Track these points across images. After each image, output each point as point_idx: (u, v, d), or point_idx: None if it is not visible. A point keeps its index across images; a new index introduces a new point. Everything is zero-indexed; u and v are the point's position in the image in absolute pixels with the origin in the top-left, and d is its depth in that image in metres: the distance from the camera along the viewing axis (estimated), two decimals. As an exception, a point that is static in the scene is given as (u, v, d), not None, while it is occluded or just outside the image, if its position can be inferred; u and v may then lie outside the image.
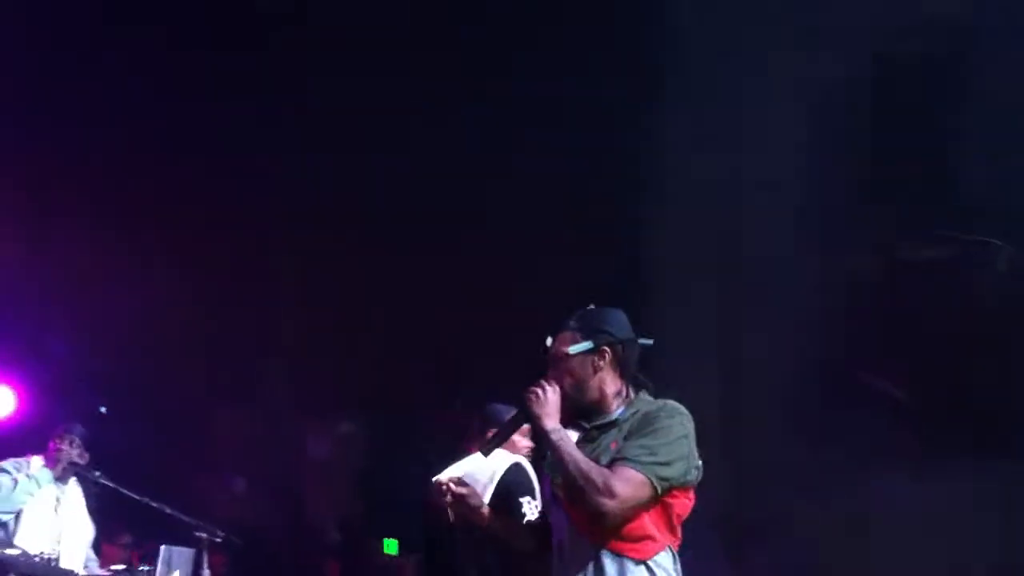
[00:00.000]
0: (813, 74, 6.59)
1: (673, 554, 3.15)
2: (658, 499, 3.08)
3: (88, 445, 6.08)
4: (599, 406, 3.26)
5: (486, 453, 3.38)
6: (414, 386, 8.56)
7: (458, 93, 7.39)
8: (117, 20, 7.15)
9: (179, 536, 5.74)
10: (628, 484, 3.02)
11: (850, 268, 6.81)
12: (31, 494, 5.84)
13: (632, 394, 3.29)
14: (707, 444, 3.26)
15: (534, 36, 7.07)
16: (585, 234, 7.37)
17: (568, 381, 3.26)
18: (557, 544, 3.24)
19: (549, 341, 3.35)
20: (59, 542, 5.86)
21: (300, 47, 7.33)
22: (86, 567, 5.85)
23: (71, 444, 6.00)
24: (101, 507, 6.28)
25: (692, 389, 3.38)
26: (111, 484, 5.94)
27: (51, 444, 6.03)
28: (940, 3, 6.24)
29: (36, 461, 6.01)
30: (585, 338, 3.27)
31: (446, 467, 4.04)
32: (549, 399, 3.21)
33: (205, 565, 5.58)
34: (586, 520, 3.10)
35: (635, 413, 3.20)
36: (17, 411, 8.25)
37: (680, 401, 3.25)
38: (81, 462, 6.00)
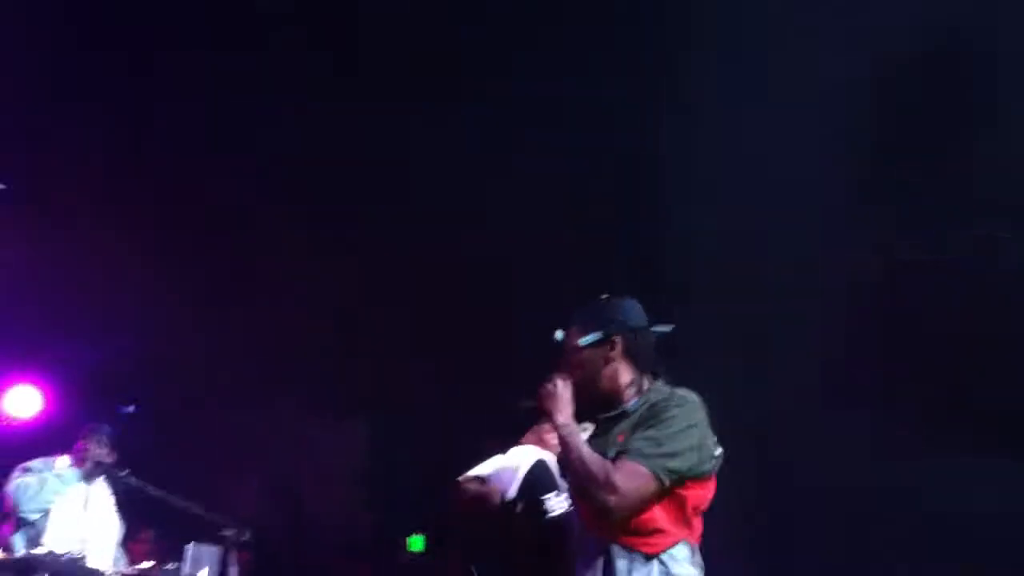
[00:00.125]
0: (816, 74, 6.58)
1: (690, 547, 3.05)
2: (668, 492, 2.99)
3: (115, 444, 6.08)
4: (613, 397, 3.20)
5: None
6: (429, 386, 8.59)
7: (458, 93, 7.39)
8: (117, 21, 7.15)
9: (203, 535, 5.75)
10: (631, 479, 2.95)
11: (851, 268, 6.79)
12: (59, 493, 5.86)
13: (648, 383, 3.21)
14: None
15: (534, 36, 7.06)
16: (585, 234, 7.37)
17: (580, 373, 3.21)
18: (574, 540, 3.19)
19: (559, 334, 3.30)
20: (87, 541, 5.86)
21: (300, 47, 7.32)
22: (113, 565, 5.83)
23: (98, 443, 6.01)
24: (126, 506, 6.31)
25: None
26: (138, 483, 5.96)
27: (78, 444, 6.04)
28: (941, 3, 6.24)
29: (63, 460, 6.03)
30: (595, 329, 3.22)
31: (472, 465, 4.02)
32: (560, 393, 3.17)
33: (232, 563, 5.61)
34: (593, 516, 3.06)
35: (644, 404, 3.13)
36: (45, 411, 8.40)
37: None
38: (108, 461, 6.00)
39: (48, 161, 7.83)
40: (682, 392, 3.16)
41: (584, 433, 3.22)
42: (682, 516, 3.03)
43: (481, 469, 3.93)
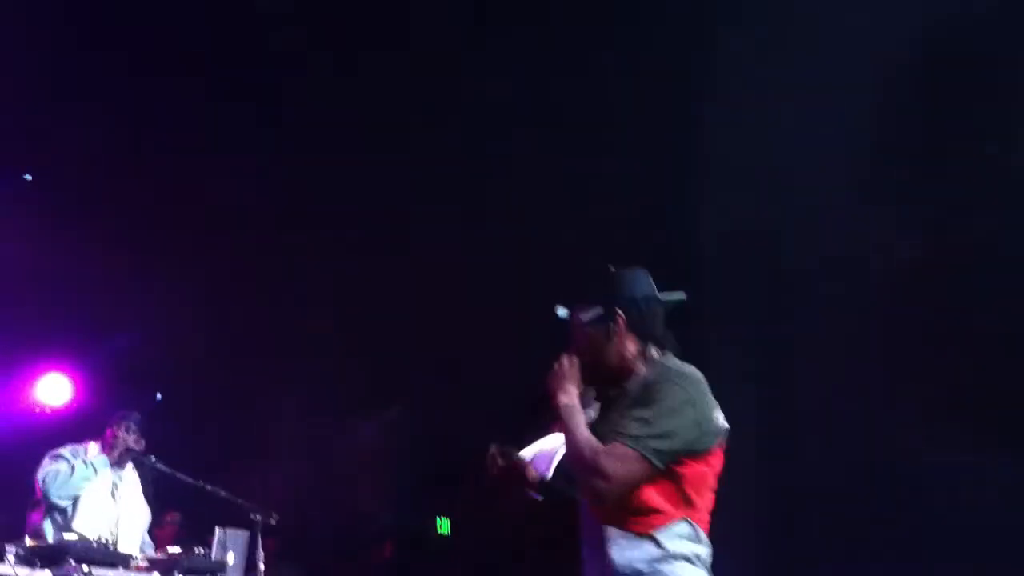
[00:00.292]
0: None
1: (691, 525, 2.96)
2: (663, 471, 2.91)
3: (144, 432, 6.10)
4: (621, 372, 3.10)
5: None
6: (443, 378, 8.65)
7: (458, 92, 7.40)
8: (117, 21, 7.15)
9: (230, 520, 5.77)
10: (620, 462, 2.88)
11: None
12: (88, 480, 5.86)
13: (658, 355, 3.10)
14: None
15: (542, 32, 7.07)
16: (585, 234, 7.37)
17: (586, 349, 3.13)
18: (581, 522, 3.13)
19: (560, 311, 3.20)
20: (116, 527, 5.90)
21: (300, 47, 7.32)
22: (142, 551, 5.84)
23: (127, 430, 6.02)
24: (154, 493, 6.35)
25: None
26: (167, 469, 5.98)
27: (108, 431, 6.05)
28: (941, 3, 6.24)
29: (93, 447, 6.03)
30: (597, 304, 3.14)
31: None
32: (565, 373, 3.10)
33: (260, 547, 5.63)
34: (587, 498, 3.02)
35: (642, 381, 3.04)
36: (76, 399, 8.49)
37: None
38: (137, 448, 6.01)
39: (48, 161, 7.83)
40: (677, 367, 3.06)
41: (593, 412, 3.16)
42: (679, 494, 2.94)
43: (528, 450, 3.87)
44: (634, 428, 2.92)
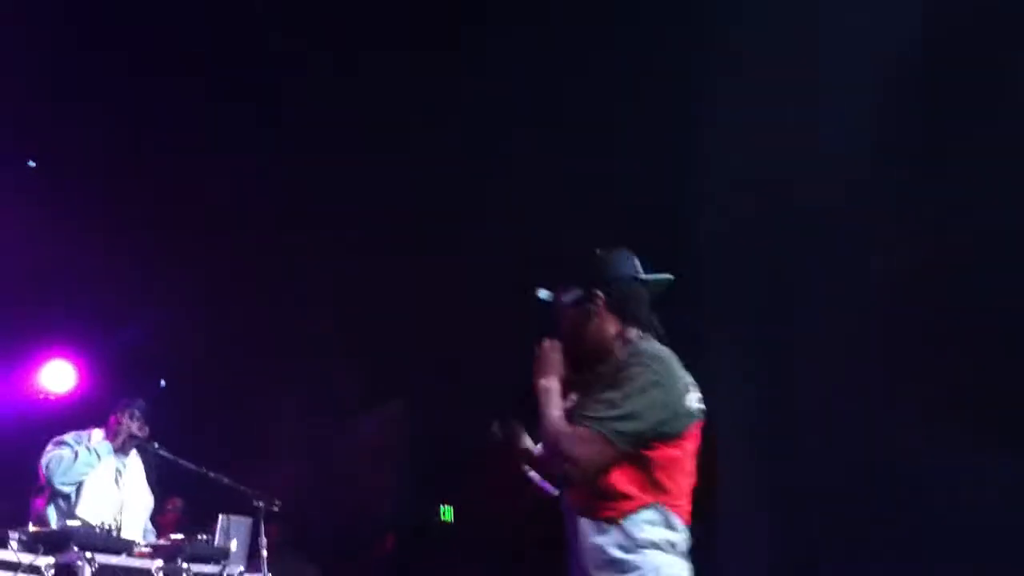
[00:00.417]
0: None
1: (661, 511, 2.88)
2: (630, 454, 2.85)
3: (148, 419, 6.12)
4: (601, 354, 3.05)
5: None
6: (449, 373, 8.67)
7: (459, 92, 7.39)
8: (117, 21, 7.15)
9: (233, 507, 5.78)
10: (585, 445, 2.83)
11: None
12: (92, 466, 5.86)
13: (638, 337, 3.04)
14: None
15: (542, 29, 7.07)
16: (585, 234, 7.36)
17: (567, 331, 3.10)
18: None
19: (542, 293, 3.18)
20: (120, 513, 5.91)
21: (300, 47, 7.32)
22: (144, 537, 5.87)
23: (131, 417, 6.03)
24: (157, 480, 6.36)
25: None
26: (170, 456, 6.00)
27: (112, 418, 6.07)
28: (941, 3, 6.24)
29: (97, 434, 6.04)
30: (577, 285, 3.11)
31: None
32: (545, 356, 3.07)
33: (262, 534, 5.64)
34: (561, 482, 3.00)
35: (614, 363, 2.97)
36: (80, 386, 8.56)
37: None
38: (141, 435, 6.03)
39: (48, 161, 7.84)
40: (646, 348, 2.99)
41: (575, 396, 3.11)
42: (647, 478, 2.87)
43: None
44: (599, 410, 2.87)
